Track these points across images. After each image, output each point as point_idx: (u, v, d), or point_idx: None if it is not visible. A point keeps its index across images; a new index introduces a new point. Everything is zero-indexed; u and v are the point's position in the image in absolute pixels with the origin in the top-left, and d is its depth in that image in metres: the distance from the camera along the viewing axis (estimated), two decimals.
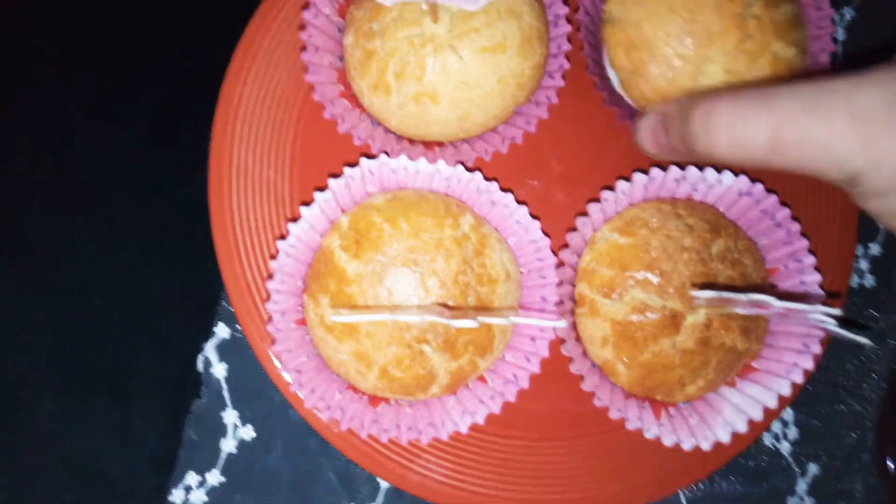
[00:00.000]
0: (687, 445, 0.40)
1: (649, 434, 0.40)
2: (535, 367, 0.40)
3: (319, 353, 0.39)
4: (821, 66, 0.42)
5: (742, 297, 0.33)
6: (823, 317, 0.33)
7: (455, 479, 0.42)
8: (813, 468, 0.49)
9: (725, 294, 0.34)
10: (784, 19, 0.39)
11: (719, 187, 0.41)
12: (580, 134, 0.44)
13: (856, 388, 0.49)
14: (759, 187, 0.41)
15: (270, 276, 0.38)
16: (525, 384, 0.40)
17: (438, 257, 0.37)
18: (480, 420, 0.39)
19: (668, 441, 0.40)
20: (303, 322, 0.40)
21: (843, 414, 0.49)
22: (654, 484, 0.43)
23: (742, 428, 0.39)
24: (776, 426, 0.49)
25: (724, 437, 0.39)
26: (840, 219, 0.44)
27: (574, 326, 0.41)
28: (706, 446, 0.39)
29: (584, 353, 0.41)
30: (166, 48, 0.47)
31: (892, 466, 0.47)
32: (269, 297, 0.38)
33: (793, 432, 0.49)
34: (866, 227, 0.48)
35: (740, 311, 0.36)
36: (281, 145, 0.41)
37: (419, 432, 0.38)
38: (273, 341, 0.39)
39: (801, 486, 0.49)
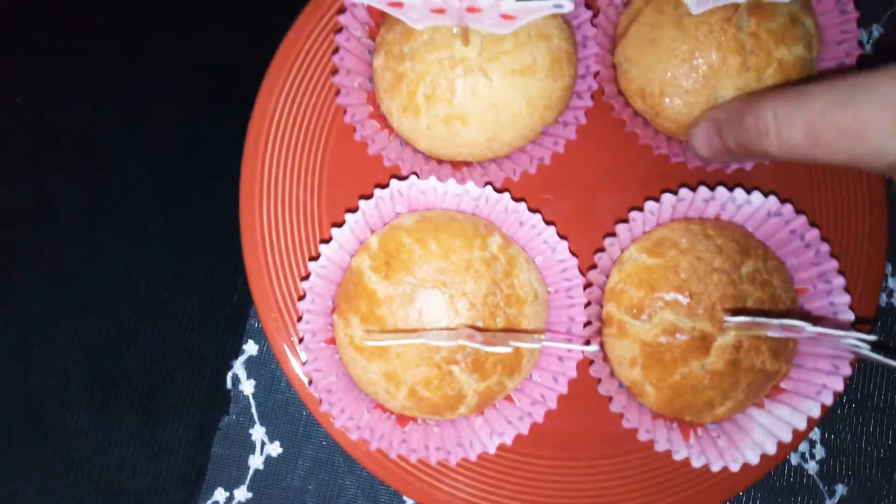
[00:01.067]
0: (716, 467, 0.39)
1: (678, 456, 0.40)
2: (563, 388, 0.40)
3: (348, 372, 0.40)
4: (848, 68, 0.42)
5: (774, 321, 0.33)
6: (857, 342, 0.33)
7: (482, 499, 0.42)
8: (841, 489, 0.49)
9: (758, 319, 0.34)
10: (780, 24, 0.39)
11: (748, 207, 0.41)
12: (608, 154, 0.44)
13: (885, 405, 0.48)
14: (789, 208, 0.41)
15: (302, 297, 0.38)
16: (553, 404, 0.40)
17: (468, 278, 0.37)
18: (508, 441, 0.39)
19: (696, 463, 0.39)
20: (332, 342, 0.40)
21: (871, 434, 0.48)
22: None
23: (771, 450, 0.39)
24: (803, 445, 0.48)
25: (753, 459, 0.39)
26: (869, 239, 0.44)
27: (602, 347, 0.41)
28: (735, 468, 0.39)
29: (612, 374, 0.41)
30: (198, 64, 0.47)
31: None
32: (300, 317, 0.38)
33: (820, 451, 0.49)
34: (894, 247, 0.47)
35: (771, 333, 0.36)
36: (311, 165, 0.42)
37: (448, 452, 0.39)
38: (305, 361, 0.39)
39: None
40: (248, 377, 0.45)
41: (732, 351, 0.38)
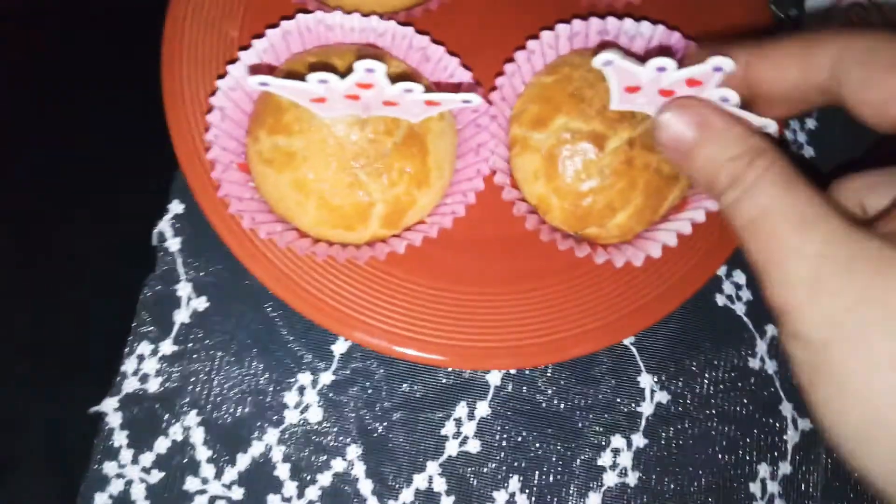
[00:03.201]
0: (637, 262, 0.40)
1: (599, 259, 0.40)
2: (472, 199, 0.41)
3: (262, 196, 0.41)
4: None
5: (640, 65, 0.33)
6: (725, 92, 0.33)
7: (409, 330, 0.42)
8: (771, 329, 0.49)
9: (626, 59, 0.34)
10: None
11: (640, 40, 0.44)
12: None
13: None
14: (677, 35, 0.43)
15: (209, 111, 0.40)
16: (462, 212, 0.41)
17: None
18: (417, 242, 0.40)
19: (619, 262, 0.40)
20: (246, 168, 0.41)
21: None
22: (607, 328, 0.43)
23: (673, 242, 0.40)
24: (729, 288, 0.49)
25: (671, 241, 0.40)
26: None
27: (511, 174, 0.43)
28: (656, 253, 0.40)
29: (522, 199, 0.42)
30: None
31: None
32: (207, 128, 0.40)
33: (746, 294, 0.49)
34: None
35: (644, 100, 0.36)
36: None
37: (356, 257, 0.40)
38: (218, 186, 0.40)
39: (762, 347, 0.49)
40: (175, 235, 0.46)
41: (626, 150, 0.40)
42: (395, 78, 0.33)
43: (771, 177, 0.27)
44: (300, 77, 0.33)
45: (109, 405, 0.43)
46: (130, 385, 0.43)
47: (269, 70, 0.40)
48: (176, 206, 0.46)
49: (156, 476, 0.42)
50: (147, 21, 0.44)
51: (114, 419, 0.43)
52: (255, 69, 0.40)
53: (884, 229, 0.27)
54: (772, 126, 0.32)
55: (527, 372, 0.46)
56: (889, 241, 0.24)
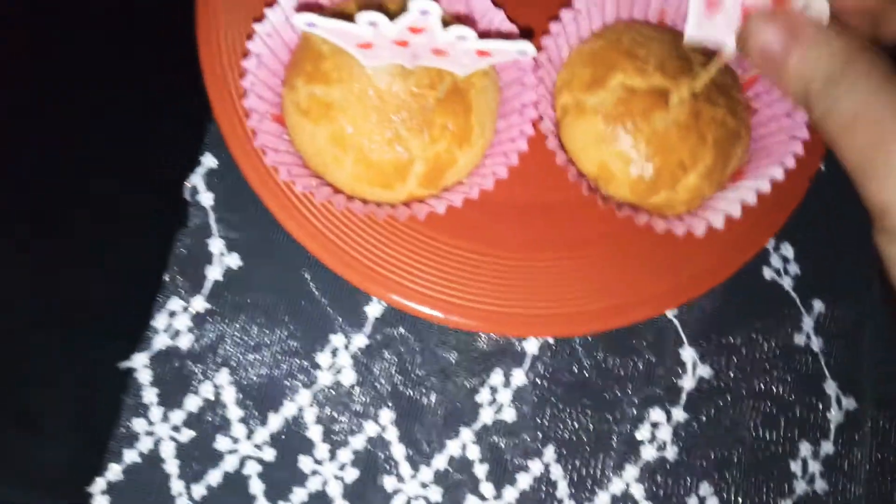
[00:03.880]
0: (699, 231, 0.38)
1: (658, 227, 0.38)
2: (515, 160, 0.39)
3: (297, 149, 0.39)
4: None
5: None
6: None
7: (446, 293, 0.40)
8: (818, 304, 0.47)
9: None
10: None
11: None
12: None
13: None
14: None
15: (245, 56, 0.38)
16: (503, 174, 0.39)
17: None
18: (458, 203, 0.38)
19: (679, 230, 0.38)
20: (281, 120, 0.40)
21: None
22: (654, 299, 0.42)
23: (737, 212, 0.38)
24: (776, 261, 0.47)
25: (736, 211, 0.38)
26: None
27: (562, 147, 0.40)
28: (718, 223, 0.38)
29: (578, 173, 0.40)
30: None
31: None
32: (242, 75, 0.38)
33: (794, 268, 0.47)
34: None
35: (724, 22, 0.33)
36: None
37: (396, 215, 0.38)
38: (254, 136, 0.39)
39: (808, 323, 0.47)
40: (208, 189, 0.44)
41: (691, 102, 0.37)
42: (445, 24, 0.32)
43: (870, 72, 0.27)
44: (348, 19, 0.31)
45: (139, 361, 0.42)
46: (161, 341, 0.43)
47: (317, 9, 0.38)
48: (209, 161, 0.45)
49: (186, 434, 0.42)
50: None
51: (143, 375, 0.42)
52: (303, 7, 0.38)
53: None
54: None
55: (565, 342, 0.44)
56: None
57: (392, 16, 0.30)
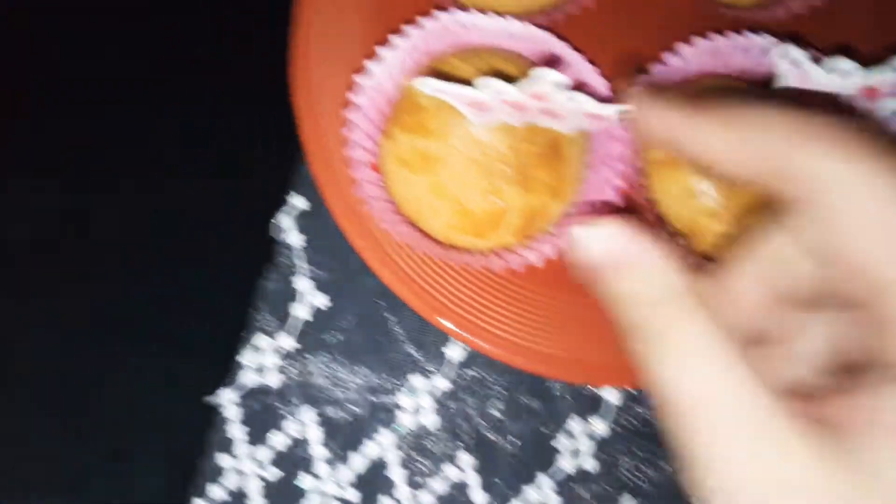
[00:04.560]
0: None
1: None
2: (604, 212, 0.40)
3: (391, 197, 0.40)
4: None
5: None
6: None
7: (530, 341, 0.41)
8: None
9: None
10: None
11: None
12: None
13: None
14: None
15: (346, 105, 0.39)
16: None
17: None
18: (551, 254, 0.39)
19: None
20: (376, 168, 0.41)
21: None
22: None
23: None
24: None
25: None
26: None
27: (650, 201, 0.41)
28: None
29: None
30: None
31: None
32: (345, 125, 0.39)
33: None
34: None
35: None
36: None
37: (492, 266, 0.39)
38: (353, 185, 0.40)
39: None
40: (298, 231, 0.45)
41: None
42: None
43: (692, 340, 0.21)
44: (447, 78, 0.32)
45: (225, 397, 0.43)
46: (247, 377, 0.44)
47: (426, 68, 0.39)
48: (298, 202, 0.46)
49: (272, 472, 0.42)
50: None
51: (230, 411, 0.43)
52: (406, 63, 0.39)
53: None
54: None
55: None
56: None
57: (511, 79, 0.31)
